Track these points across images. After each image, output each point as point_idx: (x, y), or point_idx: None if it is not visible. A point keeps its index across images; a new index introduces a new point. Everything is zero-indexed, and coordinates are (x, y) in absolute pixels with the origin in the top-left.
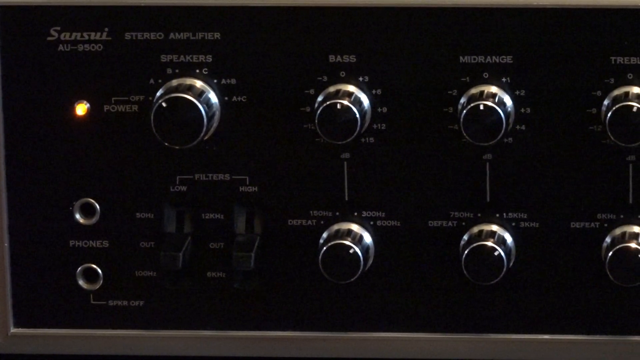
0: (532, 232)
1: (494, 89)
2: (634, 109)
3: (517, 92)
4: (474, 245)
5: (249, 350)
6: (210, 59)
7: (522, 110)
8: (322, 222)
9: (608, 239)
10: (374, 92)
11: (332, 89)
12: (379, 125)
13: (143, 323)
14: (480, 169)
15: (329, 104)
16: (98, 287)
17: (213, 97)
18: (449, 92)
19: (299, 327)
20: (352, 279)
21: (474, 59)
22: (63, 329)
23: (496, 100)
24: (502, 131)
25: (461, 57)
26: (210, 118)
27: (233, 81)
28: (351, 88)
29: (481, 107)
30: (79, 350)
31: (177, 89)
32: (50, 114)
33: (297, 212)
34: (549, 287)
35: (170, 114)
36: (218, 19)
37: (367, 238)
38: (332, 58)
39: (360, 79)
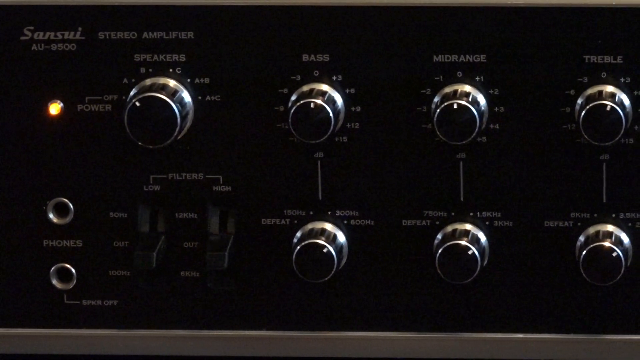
0: (506, 231)
1: (467, 88)
2: (608, 108)
3: (491, 91)
4: (448, 244)
5: (223, 350)
6: (184, 58)
7: (496, 109)
8: (295, 222)
9: (582, 238)
10: (347, 91)
11: (305, 88)
12: (352, 124)
13: (117, 322)
14: (454, 168)
15: (303, 103)
16: (72, 286)
17: (186, 97)
18: (423, 91)
19: (273, 326)
20: (326, 278)
21: (448, 58)
22: (36, 328)
23: (470, 99)
24: (476, 130)
25: (435, 56)
26: (183, 117)
27: (206, 80)
28: (325, 87)
29: (455, 106)
30: (52, 350)
31: (151, 88)
32: (24, 113)
33: (271, 211)
34: (523, 286)
35: (143, 114)
36: (191, 18)
37: (341, 237)
38: (305, 57)
39: (334, 78)
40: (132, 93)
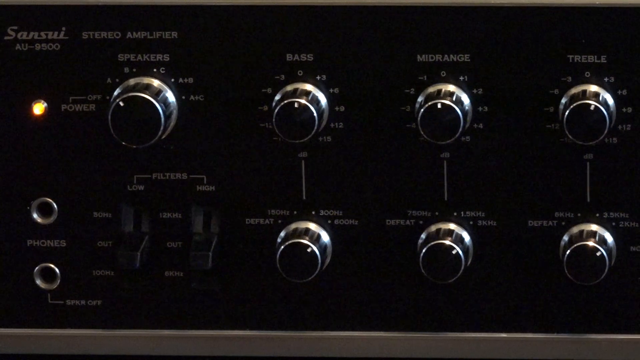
0: (490, 231)
1: (451, 87)
2: (592, 107)
3: (475, 91)
4: (432, 243)
5: (207, 350)
6: (168, 58)
7: (480, 108)
8: (279, 221)
9: (566, 237)
10: (331, 90)
11: (289, 87)
12: (336, 124)
13: (101, 322)
14: (438, 167)
15: (287, 102)
16: (55, 286)
17: (170, 96)
18: (407, 90)
19: (257, 326)
20: (310, 278)
21: (432, 58)
22: (20, 328)
23: (454, 98)
24: (460, 130)
25: (419, 56)
26: (167, 117)
27: (190, 80)
28: (309, 87)
29: (439, 106)
30: (36, 350)
31: (135, 88)
32: (8, 113)
33: (255, 211)
34: (507, 286)
35: (127, 113)
36: (175, 18)
37: (325, 237)
38: (289, 57)
39: (318, 77)
40: (116, 93)
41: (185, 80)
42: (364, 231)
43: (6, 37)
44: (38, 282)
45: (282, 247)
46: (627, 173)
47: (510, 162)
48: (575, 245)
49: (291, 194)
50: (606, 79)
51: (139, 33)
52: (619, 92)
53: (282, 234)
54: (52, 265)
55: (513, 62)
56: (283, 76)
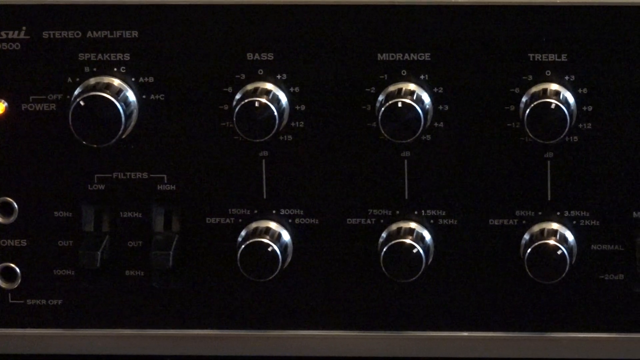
0: (450, 229)
1: (412, 86)
2: (552, 106)
3: (436, 90)
4: (393, 242)
5: (168, 349)
6: (128, 57)
7: (441, 107)
8: (240, 220)
9: (527, 236)
10: (292, 89)
11: (250, 86)
12: (297, 123)
13: (62, 322)
14: (398, 166)
15: (247, 101)
16: (16, 286)
17: (131, 96)
18: (367, 89)
19: (218, 325)
20: (271, 277)
21: (392, 57)
22: None
23: (414, 97)
24: (420, 128)
25: (379, 55)
26: (128, 116)
27: (151, 79)
28: (269, 86)
29: (399, 105)
30: None
31: (95, 87)
32: None
33: (216, 210)
34: (468, 284)
35: (88, 113)
36: (136, 17)
37: (286, 236)
38: (250, 56)
39: (278, 76)
40: (76, 92)
41: (146, 79)
42: (325, 230)
43: None
44: None
45: (243, 246)
46: (588, 172)
47: (471, 160)
48: (536, 243)
49: (252, 193)
50: (567, 78)
51: (99, 32)
52: (580, 90)
53: (243, 233)
54: (12, 265)
55: (473, 60)
56: (243, 75)
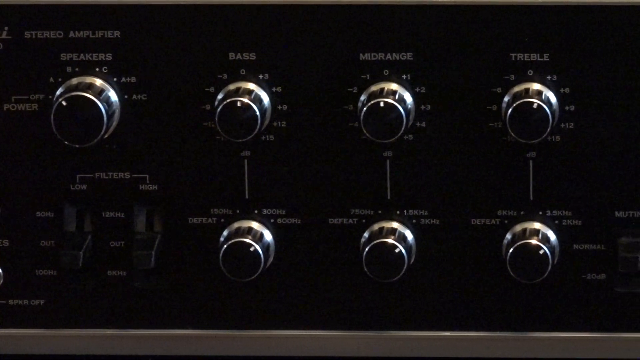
0: (432, 229)
1: (394, 86)
2: (534, 106)
3: (418, 89)
4: (375, 242)
5: (150, 349)
6: (110, 57)
7: (423, 107)
8: (222, 220)
9: (509, 236)
10: (274, 89)
11: (232, 86)
12: (279, 123)
13: (44, 322)
14: (380, 166)
15: (229, 101)
16: None
17: (113, 96)
18: (349, 89)
19: (200, 325)
20: (253, 277)
21: (374, 56)
22: None
23: (396, 97)
24: (402, 128)
25: (361, 55)
26: (110, 116)
27: (133, 79)
28: (251, 86)
29: (381, 105)
30: None
31: (77, 87)
32: None
33: (198, 210)
34: (450, 284)
35: (70, 113)
36: (118, 17)
37: (268, 236)
38: (232, 56)
39: (261, 76)
40: (58, 92)
41: (128, 79)
42: (307, 230)
43: None
44: None
45: (225, 246)
46: (570, 171)
47: (453, 160)
48: (518, 243)
49: (234, 193)
50: (549, 77)
51: (81, 32)
52: (562, 90)
53: (225, 233)
54: None
55: (456, 60)
56: (225, 75)
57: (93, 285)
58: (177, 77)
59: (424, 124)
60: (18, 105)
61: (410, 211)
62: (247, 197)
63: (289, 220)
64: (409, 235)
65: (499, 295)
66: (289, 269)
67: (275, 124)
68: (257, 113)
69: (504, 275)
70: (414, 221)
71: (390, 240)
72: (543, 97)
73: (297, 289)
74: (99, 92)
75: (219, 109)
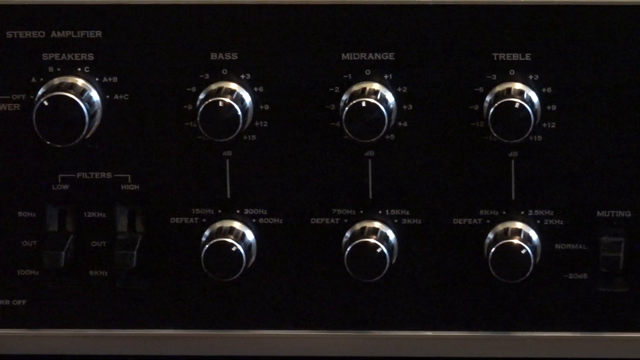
0: (414, 229)
1: (376, 85)
2: (516, 105)
3: (399, 89)
4: (357, 242)
5: (131, 349)
6: (92, 57)
7: (404, 107)
8: (204, 220)
9: (491, 235)
10: (255, 89)
11: (214, 86)
12: (261, 122)
13: (26, 322)
14: (362, 166)
15: (211, 101)
16: None
17: (95, 96)
18: (331, 89)
19: (182, 325)
20: (235, 277)
21: (356, 56)
22: None
23: (378, 97)
24: (384, 128)
25: (343, 54)
26: (92, 116)
27: (115, 79)
28: (233, 86)
29: (363, 104)
30: None
31: (59, 87)
32: None
33: (180, 210)
34: (432, 284)
35: (51, 113)
36: (100, 17)
37: (250, 235)
38: (213, 55)
39: (242, 76)
40: (40, 92)
41: (110, 79)
42: (289, 230)
43: None
44: None
45: (207, 246)
46: (552, 171)
47: (435, 160)
48: (500, 243)
49: (216, 192)
50: (531, 77)
51: (63, 32)
52: (544, 90)
53: (207, 232)
54: None
55: (437, 60)
56: (207, 75)
57: (75, 285)
58: (159, 77)
59: (405, 124)
60: (0, 105)
61: (392, 211)
62: (229, 196)
63: (271, 220)
64: (391, 235)
65: (481, 295)
66: (271, 269)
67: (257, 123)
68: (239, 113)
69: (486, 275)
70: (395, 221)
71: (372, 240)
72: (525, 96)
73: (279, 289)
74: (81, 92)
75: (200, 109)
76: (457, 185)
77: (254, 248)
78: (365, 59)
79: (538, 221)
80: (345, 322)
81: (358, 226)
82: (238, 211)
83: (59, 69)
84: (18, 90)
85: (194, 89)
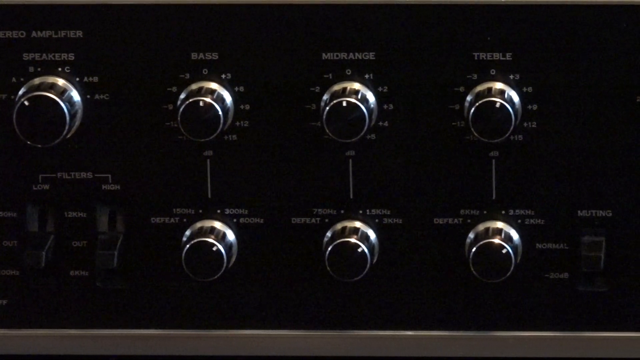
0: (395, 229)
1: (356, 85)
2: (497, 105)
3: (380, 89)
4: (338, 241)
5: (112, 349)
6: (73, 57)
7: (385, 106)
8: (185, 220)
9: (471, 235)
10: (236, 89)
11: (194, 86)
12: (241, 122)
13: (6, 322)
14: (343, 165)
15: (192, 101)
16: None
17: (75, 95)
18: (312, 89)
19: (163, 325)
20: (216, 277)
21: (337, 56)
22: None
23: (359, 96)
24: (365, 128)
25: (323, 54)
26: (72, 116)
27: (95, 79)
28: (214, 85)
29: (344, 104)
30: None
31: (39, 87)
32: None
33: (160, 210)
34: (412, 283)
35: (32, 113)
36: (80, 17)
37: (230, 235)
38: (194, 55)
39: (223, 76)
40: (20, 92)
41: (90, 79)
42: (270, 229)
43: None
44: None
45: (188, 245)
46: (533, 170)
47: (416, 159)
48: (481, 242)
49: (196, 192)
50: (512, 77)
51: (43, 32)
52: (525, 89)
53: (188, 232)
54: None
55: (418, 59)
56: (188, 75)
57: (55, 285)
58: (140, 77)
59: (386, 124)
60: None
61: (372, 210)
62: (209, 196)
63: (252, 220)
64: (372, 235)
65: (462, 294)
66: (252, 269)
67: (237, 123)
68: (220, 113)
69: (466, 274)
70: (376, 220)
71: (352, 240)
72: (506, 96)
73: (259, 289)
74: (62, 92)
75: (181, 109)
76: (437, 184)
77: (234, 248)
78: (346, 58)
79: (519, 221)
80: (326, 321)
81: (339, 226)
82: (219, 211)
83: (39, 69)
84: None
85: (174, 89)
